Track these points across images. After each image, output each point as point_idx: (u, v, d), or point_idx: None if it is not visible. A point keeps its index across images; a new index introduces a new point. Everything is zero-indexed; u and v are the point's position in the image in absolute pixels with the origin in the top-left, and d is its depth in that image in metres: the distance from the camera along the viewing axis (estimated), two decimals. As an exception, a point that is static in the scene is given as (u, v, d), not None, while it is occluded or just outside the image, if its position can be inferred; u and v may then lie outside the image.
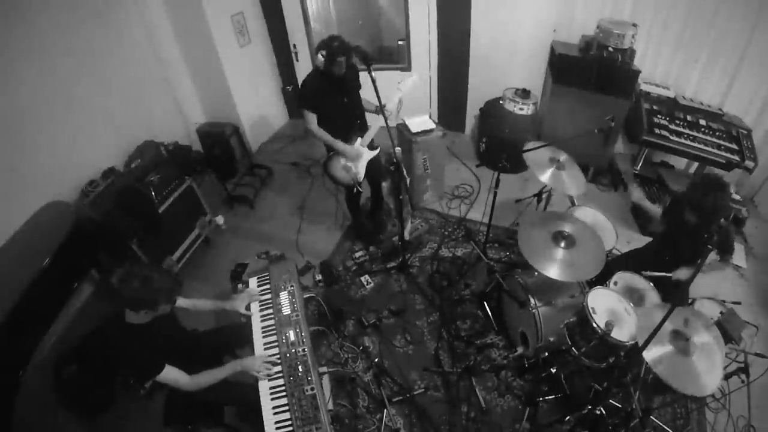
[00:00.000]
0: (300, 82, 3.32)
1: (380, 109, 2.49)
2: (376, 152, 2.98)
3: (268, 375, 1.88)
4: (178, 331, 2.05)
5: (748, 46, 3.17)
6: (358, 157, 2.89)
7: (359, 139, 2.85)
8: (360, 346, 2.69)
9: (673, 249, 2.34)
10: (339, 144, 2.80)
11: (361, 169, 2.93)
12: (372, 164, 3.01)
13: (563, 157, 2.56)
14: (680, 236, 2.29)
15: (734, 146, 3.22)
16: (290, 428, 1.72)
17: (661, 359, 1.61)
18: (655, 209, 2.61)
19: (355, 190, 2.97)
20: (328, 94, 2.70)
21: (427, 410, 2.36)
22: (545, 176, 2.44)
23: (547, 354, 2.31)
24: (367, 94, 2.84)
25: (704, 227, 2.14)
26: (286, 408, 1.78)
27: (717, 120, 3.33)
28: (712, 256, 2.15)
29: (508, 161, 2.69)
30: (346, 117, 2.82)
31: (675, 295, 2.19)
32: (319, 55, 2.55)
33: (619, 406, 2.19)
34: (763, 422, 2.23)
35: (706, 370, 1.61)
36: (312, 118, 2.74)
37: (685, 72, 3.51)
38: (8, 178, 2.62)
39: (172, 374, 1.77)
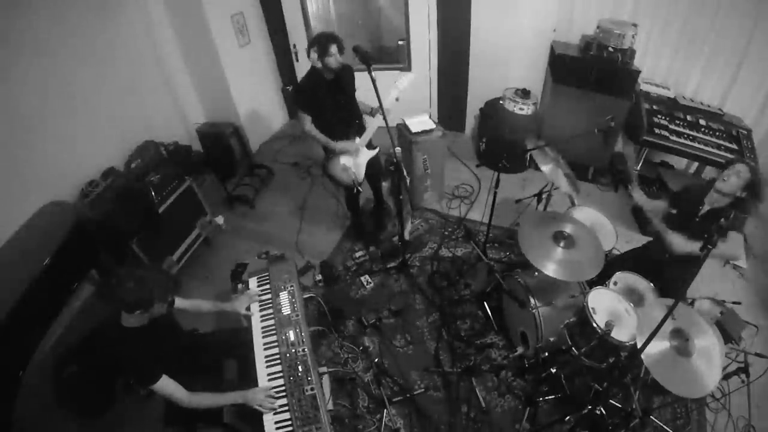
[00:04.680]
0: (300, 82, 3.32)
1: (378, 109, 2.46)
2: (375, 152, 2.97)
3: (272, 409, 1.79)
4: (176, 335, 2.03)
5: (749, 46, 3.17)
6: (356, 152, 2.87)
7: (357, 139, 2.85)
8: (360, 346, 2.69)
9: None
10: (333, 144, 2.80)
11: (360, 169, 2.93)
12: (371, 164, 3.00)
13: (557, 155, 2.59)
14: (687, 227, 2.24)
15: (734, 146, 3.21)
16: (290, 428, 1.72)
17: (659, 359, 1.61)
18: (658, 204, 2.46)
19: (355, 190, 2.97)
20: (324, 93, 2.69)
21: (427, 410, 2.36)
22: (547, 168, 2.48)
23: (547, 354, 2.31)
24: (363, 95, 2.85)
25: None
26: (286, 408, 1.78)
27: (717, 120, 3.33)
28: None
29: (508, 161, 2.70)
30: (344, 116, 2.81)
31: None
32: (312, 52, 2.57)
33: (619, 406, 2.19)
34: (763, 422, 2.23)
35: (707, 366, 1.61)
36: (307, 119, 2.74)
37: (685, 72, 3.51)
38: (8, 178, 2.62)
39: (169, 387, 1.73)
